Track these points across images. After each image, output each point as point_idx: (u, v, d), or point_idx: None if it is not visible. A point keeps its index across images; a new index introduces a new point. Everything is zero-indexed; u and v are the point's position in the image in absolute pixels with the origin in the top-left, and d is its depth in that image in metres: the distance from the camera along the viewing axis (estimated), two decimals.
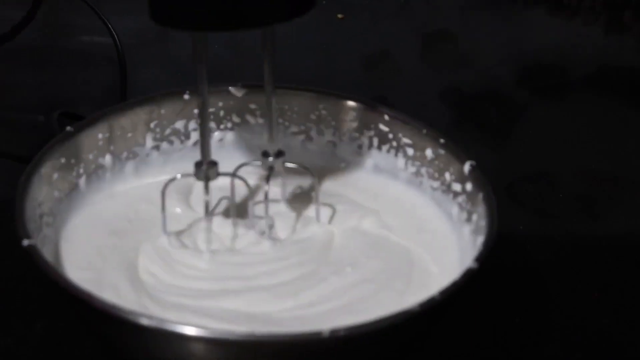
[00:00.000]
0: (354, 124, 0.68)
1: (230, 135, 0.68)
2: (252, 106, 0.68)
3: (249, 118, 0.68)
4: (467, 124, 0.87)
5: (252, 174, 0.65)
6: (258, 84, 0.67)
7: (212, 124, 0.68)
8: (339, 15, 1.02)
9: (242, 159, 0.67)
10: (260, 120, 0.68)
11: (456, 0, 1.08)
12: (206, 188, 0.58)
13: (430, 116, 0.80)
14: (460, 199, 0.63)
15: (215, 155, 0.67)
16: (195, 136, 0.67)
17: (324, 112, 0.68)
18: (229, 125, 0.68)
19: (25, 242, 0.52)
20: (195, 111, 0.67)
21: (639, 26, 1.07)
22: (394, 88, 0.90)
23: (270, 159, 0.60)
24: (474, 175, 0.61)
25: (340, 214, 0.64)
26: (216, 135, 0.68)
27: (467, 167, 0.62)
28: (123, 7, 0.94)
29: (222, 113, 0.68)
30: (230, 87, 0.68)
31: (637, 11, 1.07)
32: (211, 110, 0.67)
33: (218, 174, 0.58)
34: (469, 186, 0.62)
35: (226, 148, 0.68)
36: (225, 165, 0.67)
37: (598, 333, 0.63)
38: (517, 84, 0.94)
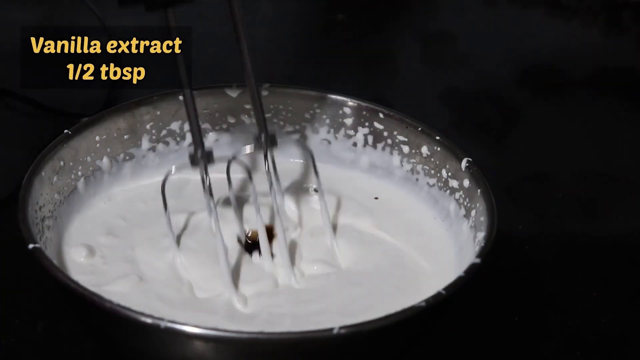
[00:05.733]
0: (349, 122, 0.68)
1: (225, 136, 0.69)
2: (247, 106, 0.68)
3: (244, 118, 0.69)
4: (467, 124, 0.87)
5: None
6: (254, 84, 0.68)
7: (207, 125, 0.68)
8: (339, 16, 1.02)
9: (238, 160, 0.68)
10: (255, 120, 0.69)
11: (456, 0, 1.08)
12: (205, 177, 0.57)
13: (430, 116, 0.80)
14: (458, 195, 0.63)
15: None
16: (190, 137, 0.68)
17: (318, 110, 0.68)
18: (224, 126, 0.68)
19: (31, 246, 0.52)
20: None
21: (637, 27, 1.07)
22: (394, 88, 0.91)
23: (263, 140, 0.60)
24: (471, 172, 0.62)
25: (333, 214, 0.64)
26: (211, 135, 0.68)
27: (464, 164, 0.62)
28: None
29: (217, 114, 0.68)
30: (225, 88, 0.68)
31: (636, 12, 1.07)
32: (206, 111, 0.68)
33: (213, 159, 0.57)
34: (466, 182, 0.62)
35: (222, 148, 0.68)
36: (221, 167, 0.68)
37: (597, 332, 0.63)
38: (516, 85, 0.94)
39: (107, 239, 0.61)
